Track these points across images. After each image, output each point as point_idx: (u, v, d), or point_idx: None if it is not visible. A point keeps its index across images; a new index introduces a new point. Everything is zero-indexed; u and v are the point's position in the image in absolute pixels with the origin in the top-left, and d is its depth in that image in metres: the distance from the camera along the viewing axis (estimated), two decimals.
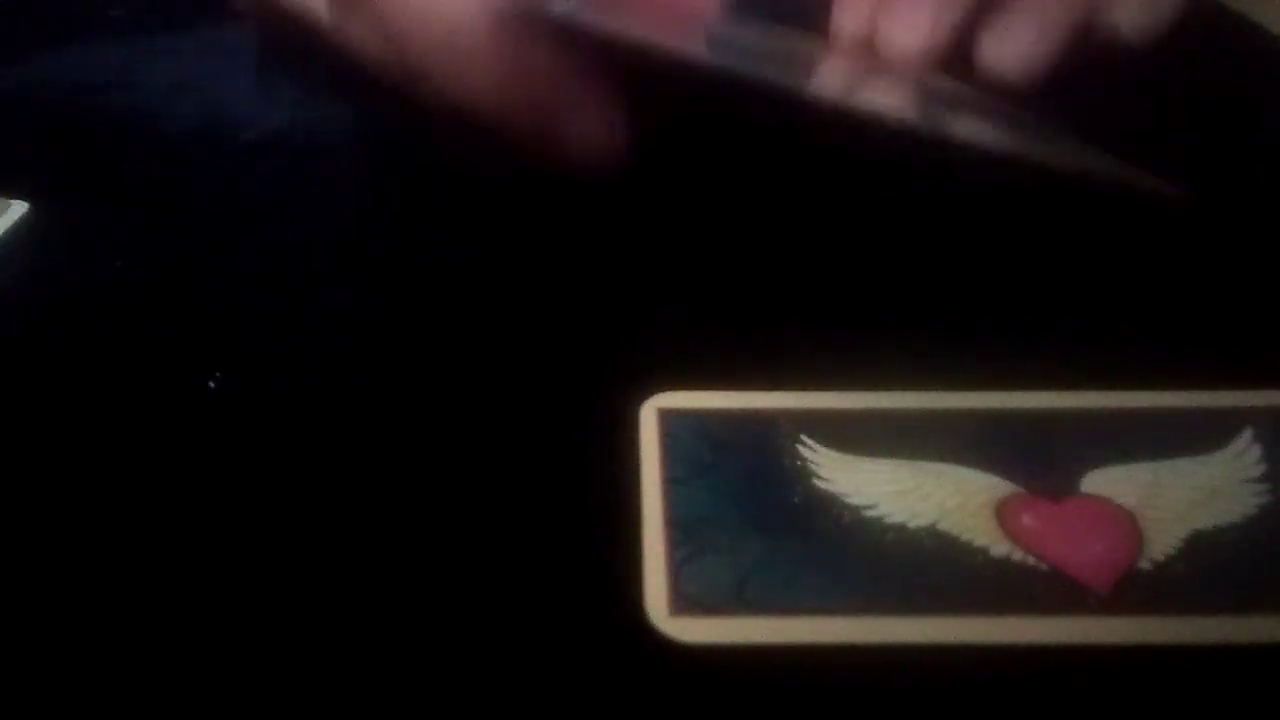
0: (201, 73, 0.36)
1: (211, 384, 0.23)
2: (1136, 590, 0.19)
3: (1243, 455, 0.21)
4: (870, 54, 0.22)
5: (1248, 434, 0.22)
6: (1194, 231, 0.27)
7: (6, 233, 0.28)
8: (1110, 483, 0.21)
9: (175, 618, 0.18)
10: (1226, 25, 0.34)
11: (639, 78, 0.24)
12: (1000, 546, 0.19)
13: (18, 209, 0.29)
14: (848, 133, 0.22)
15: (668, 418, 0.22)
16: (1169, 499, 0.20)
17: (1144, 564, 0.19)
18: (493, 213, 0.29)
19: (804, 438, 0.22)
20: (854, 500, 0.20)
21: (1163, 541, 0.19)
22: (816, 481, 0.21)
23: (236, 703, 0.17)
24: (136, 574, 0.19)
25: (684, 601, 0.18)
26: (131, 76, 0.36)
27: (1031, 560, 0.19)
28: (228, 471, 0.21)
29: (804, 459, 0.21)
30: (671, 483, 0.21)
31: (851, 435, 0.22)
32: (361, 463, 0.21)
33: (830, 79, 0.23)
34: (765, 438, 0.22)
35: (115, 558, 0.19)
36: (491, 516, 0.20)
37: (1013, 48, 0.22)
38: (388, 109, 0.26)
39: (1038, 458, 0.21)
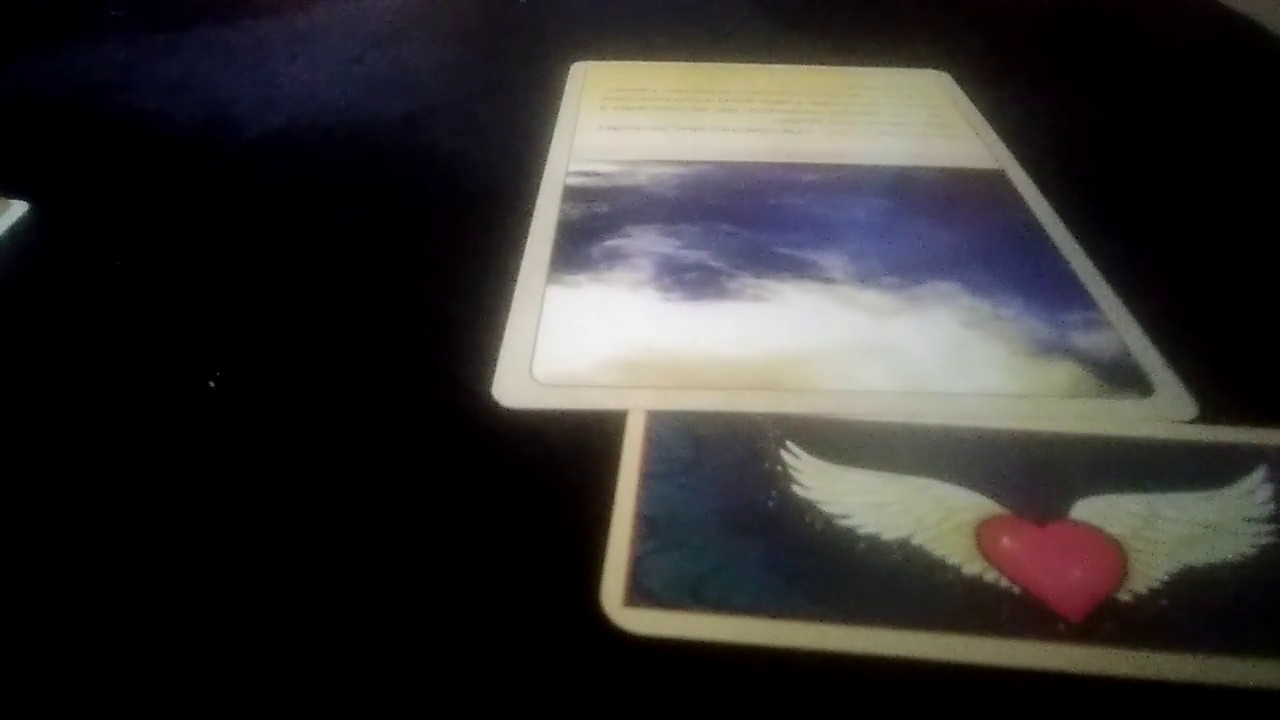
0: (201, 73, 0.37)
1: (211, 384, 0.23)
2: (1112, 621, 0.18)
3: (1252, 494, 0.20)
4: None
5: (1260, 472, 0.21)
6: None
7: (6, 233, 0.28)
8: (1102, 511, 0.20)
9: (174, 616, 0.18)
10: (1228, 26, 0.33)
11: None
12: (973, 566, 0.19)
13: (18, 209, 0.29)
14: None
15: (655, 418, 0.22)
16: (1162, 531, 0.19)
17: (1124, 595, 0.18)
18: (491, 212, 0.29)
19: (789, 444, 0.21)
20: (829, 508, 0.20)
21: (1149, 574, 0.19)
22: (795, 488, 0.20)
23: (189, 677, 0.17)
24: (135, 573, 0.19)
25: (639, 593, 0.18)
26: (131, 76, 0.37)
27: (1004, 583, 0.18)
28: (227, 471, 0.21)
29: (785, 464, 0.21)
30: (648, 478, 0.21)
31: (839, 445, 0.21)
32: (357, 456, 0.21)
33: None
34: (750, 441, 0.21)
35: (114, 557, 0.19)
36: (475, 509, 0.20)
37: None
38: None
39: (1030, 480, 0.21)
